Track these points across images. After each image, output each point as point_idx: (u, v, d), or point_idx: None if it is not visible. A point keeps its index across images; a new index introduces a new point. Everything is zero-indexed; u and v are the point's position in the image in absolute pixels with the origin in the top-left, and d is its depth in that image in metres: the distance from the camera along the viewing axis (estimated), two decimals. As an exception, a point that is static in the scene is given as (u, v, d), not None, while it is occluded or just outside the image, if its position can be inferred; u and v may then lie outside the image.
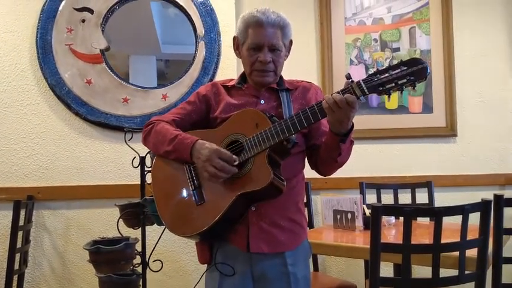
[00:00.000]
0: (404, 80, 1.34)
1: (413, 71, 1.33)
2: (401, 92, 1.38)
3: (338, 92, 1.40)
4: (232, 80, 1.79)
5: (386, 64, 3.21)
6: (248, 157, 1.52)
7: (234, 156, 1.52)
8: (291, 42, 1.72)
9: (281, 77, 1.74)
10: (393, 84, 1.35)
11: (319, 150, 1.62)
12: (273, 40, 1.62)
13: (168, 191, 1.66)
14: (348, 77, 1.41)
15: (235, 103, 1.68)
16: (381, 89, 1.36)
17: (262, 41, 1.62)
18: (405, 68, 1.34)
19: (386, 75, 1.36)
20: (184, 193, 1.61)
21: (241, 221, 1.58)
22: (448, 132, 3.23)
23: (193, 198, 1.58)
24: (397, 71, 1.35)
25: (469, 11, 3.29)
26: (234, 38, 1.73)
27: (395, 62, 3.23)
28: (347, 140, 1.51)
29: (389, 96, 1.40)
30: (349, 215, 2.46)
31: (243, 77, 1.75)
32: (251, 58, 1.65)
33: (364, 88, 1.37)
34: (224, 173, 1.50)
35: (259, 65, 1.64)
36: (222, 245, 1.62)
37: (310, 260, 2.28)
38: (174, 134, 1.62)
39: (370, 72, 1.44)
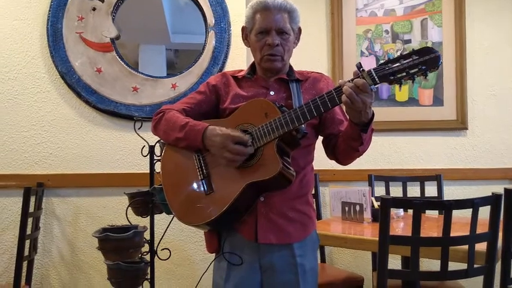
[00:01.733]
0: (416, 69, 1.32)
1: (425, 60, 1.31)
2: (412, 82, 1.36)
3: (348, 81, 1.39)
4: (242, 70, 1.78)
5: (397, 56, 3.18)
6: (257, 147, 1.52)
7: (246, 136, 1.51)
8: (300, 29, 1.71)
9: (291, 68, 1.73)
10: (404, 74, 1.33)
11: (338, 140, 1.61)
12: (280, 23, 1.62)
13: (177, 180, 1.66)
14: (359, 66, 1.39)
15: (244, 94, 1.67)
16: (392, 78, 1.34)
17: (270, 24, 1.62)
18: (417, 57, 1.32)
19: (398, 64, 1.33)
20: (193, 182, 1.61)
21: (249, 211, 1.58)
22: (459, 125, 3.20)
23: (202, 188, 1.59)
24: (408, 60, 1.33)
25: (481, 3, 3.25)
26: (243, 28, 1.73)
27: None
28: (368, 129, 1.49)
29: (400, 86, 1.38)
30: (358, 207, 2.46)
31: (252, 68, 1.74)
32: (259, 43, 1.64)
33: (375, 77, 1.35)
34: (241, 156, 1.50)
35: (268, 49, 1.63)
36: (230, 234, 1.62)
37: (318, 252, 2.28)
38: (185, 121, 1.62)
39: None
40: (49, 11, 2.83)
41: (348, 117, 1.49)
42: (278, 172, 1.45)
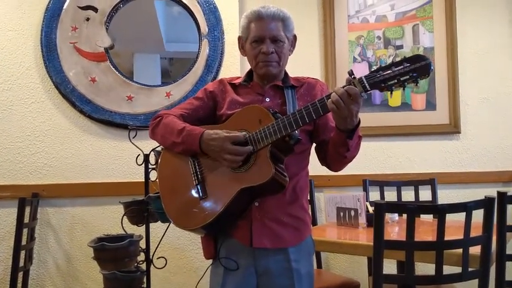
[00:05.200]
0: (407, 77, 1.34)
1: (416, 68, 1.33)
2: (403, 89, 1.38)
3: (341, 87, 1.40)
4: (239, 77, 1.81)
5: (389, 62, 3.20)
6: (251, 152, 1.54)
7: (241, 134, 1.54)
8: (295, 37, 1.74)
9: (286, 74, 1.75)
10: (395, 81, 1.35)
11: (328, 146, 1.63)
12: (273, 32, 1.65)
13: (173, 185, 1.69)
14: (351, 73, 1.41)
15: (240, 100, 1.70)
16: (383, 85, 1.36)
17: (264, 33, 1.65)
18: (408, 64, 1.33)
19: (389, 71, 1.35)
20: (189, 187, 1.63)
21: (244, 216, 1.60)
22: (452, 129, 3.22)
23: (197, 193, 1.61)
24: (400, 67, 1.34)
25: (472, 8, 3.29)
26: (239, 38, 1.76)
27: (398, 59, 3.25)
28: (354, 136, 1.50)
29: (391, 93, 1.40)
30: (353, 212, 2.47)
31: (249, 75, 1.77)
32: (254, 51, 1.67)
33: (366, 84, 1.37)
34: (240, 155, 1.53)
35: (263, 57, 1.66)
36: (226, 240, 1.64)
37: (314, 257, 2.29)
38: (182, 126, 1.64)
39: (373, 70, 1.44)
40: (43, 21, 2.84)
41: None
42: (271, 177, 1.47)
